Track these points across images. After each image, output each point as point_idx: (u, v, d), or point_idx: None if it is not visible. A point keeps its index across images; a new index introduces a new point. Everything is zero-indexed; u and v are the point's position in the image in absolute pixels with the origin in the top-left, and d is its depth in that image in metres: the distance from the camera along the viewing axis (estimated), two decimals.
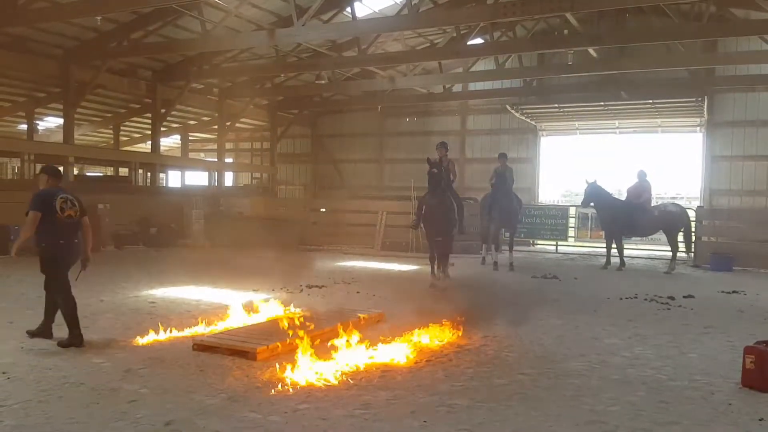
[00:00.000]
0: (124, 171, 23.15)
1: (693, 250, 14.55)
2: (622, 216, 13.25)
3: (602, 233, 14.80)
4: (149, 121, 19.27)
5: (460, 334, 6.52)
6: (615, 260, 13.74)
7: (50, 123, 22.21)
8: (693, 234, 14.39)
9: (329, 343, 5.71)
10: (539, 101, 18.74)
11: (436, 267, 10.53)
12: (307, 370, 5.03)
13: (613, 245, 13.78)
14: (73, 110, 16.30)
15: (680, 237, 13.63)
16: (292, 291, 9.51)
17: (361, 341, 5.77)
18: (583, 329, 7.20)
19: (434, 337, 6.32)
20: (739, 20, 14.82)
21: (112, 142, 23.13)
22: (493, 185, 13.17)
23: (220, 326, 6.79)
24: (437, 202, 10.10)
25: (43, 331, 6.10)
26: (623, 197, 14.13)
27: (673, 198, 20.66)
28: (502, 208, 12.88)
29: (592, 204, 14.29)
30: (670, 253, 13.65)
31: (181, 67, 17.62)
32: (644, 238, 15.93)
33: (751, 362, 4.96)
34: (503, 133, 20.27)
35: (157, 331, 6.29)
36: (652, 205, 13.96)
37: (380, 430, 3.99)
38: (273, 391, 4.67)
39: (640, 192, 13.44)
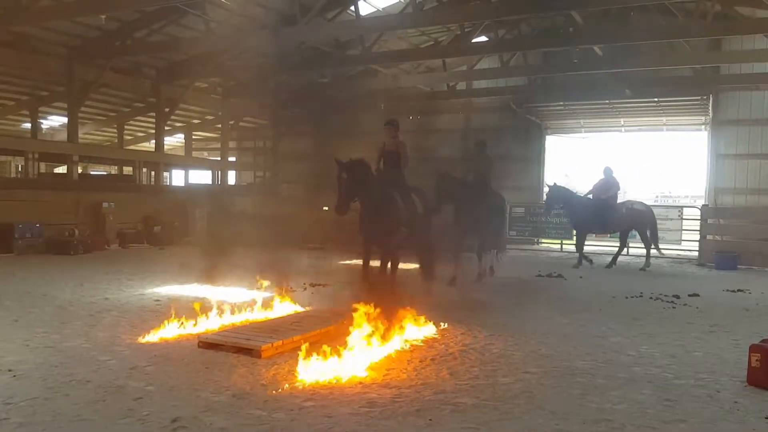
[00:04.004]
0: (128, 170, 23.18)
1: (659, 248, 14.22)
2: (592, 213, 13.26)
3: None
4: (153, 120, 19.32)
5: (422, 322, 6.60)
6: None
7: (54, 122, 22.26)
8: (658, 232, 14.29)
9: (329, 342, 5.69)
10: (544, 99, 18.70)
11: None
12: (311, 368, 5.02)
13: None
14: (77, 109, 16.35)
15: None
16: (295, 289, 9.52)
17: (362, 338, 5.75)
18: (588, 328, 7.19)
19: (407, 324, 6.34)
20: (744, 18, 14.77)
21: (116, 140, 23.17)
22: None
23: (224, 324, 6.78)
24: (369, 203, 8.11)
25: None
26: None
27: (677, 197, 20.63)
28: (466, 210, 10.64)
29: (560, 207, 14.22)
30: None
31: (185, 65, 17.64)
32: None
33: (757, 360, 4.95)
34: (507, 132, 20.20)
35: (162, 329, 6.30)
36: (618, 202, 13.90)
37: (385, 428, 3.98)
38: (277, 389, 4.67)
39: (606, 188, 13.48)
